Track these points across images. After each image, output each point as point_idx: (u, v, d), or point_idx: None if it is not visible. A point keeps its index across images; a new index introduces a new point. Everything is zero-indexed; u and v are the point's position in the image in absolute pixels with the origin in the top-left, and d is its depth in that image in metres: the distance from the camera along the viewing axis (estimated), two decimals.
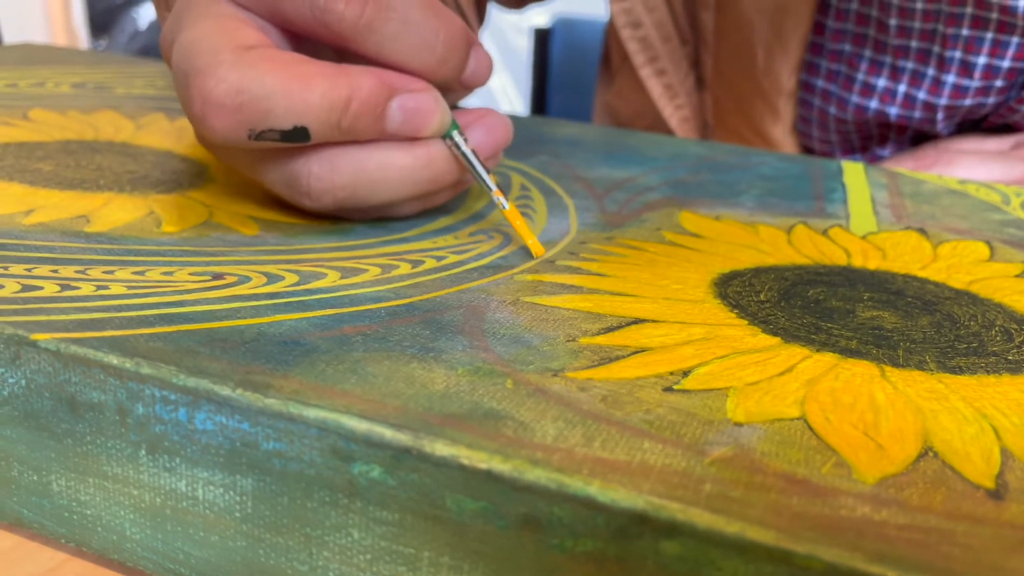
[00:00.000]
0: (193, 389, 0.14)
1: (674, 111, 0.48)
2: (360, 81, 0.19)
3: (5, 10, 1.57)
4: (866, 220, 0.26)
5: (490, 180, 0.22)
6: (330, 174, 0.20)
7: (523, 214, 0.25)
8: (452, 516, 0.13)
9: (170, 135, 0.30)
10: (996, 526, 0.12)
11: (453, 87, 0.23)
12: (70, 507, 0.16)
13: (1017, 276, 0.22)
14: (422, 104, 0.20)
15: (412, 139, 0.21)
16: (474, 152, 0.22)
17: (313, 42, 0.21)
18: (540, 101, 0.91)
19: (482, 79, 0.23)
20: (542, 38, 0.90)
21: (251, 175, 0.22)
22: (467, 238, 0.23)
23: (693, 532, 0.11)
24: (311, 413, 0.13)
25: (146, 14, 1.87)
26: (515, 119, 0.38)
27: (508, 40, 1.68)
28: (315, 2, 0.19)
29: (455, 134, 0.22)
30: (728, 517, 0.11)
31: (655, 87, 0.47)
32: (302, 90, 0.19)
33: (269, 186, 0.22)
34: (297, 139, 0.19)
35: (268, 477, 0.14)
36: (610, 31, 0.54)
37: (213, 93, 0.18)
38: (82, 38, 1.79)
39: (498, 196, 0.22)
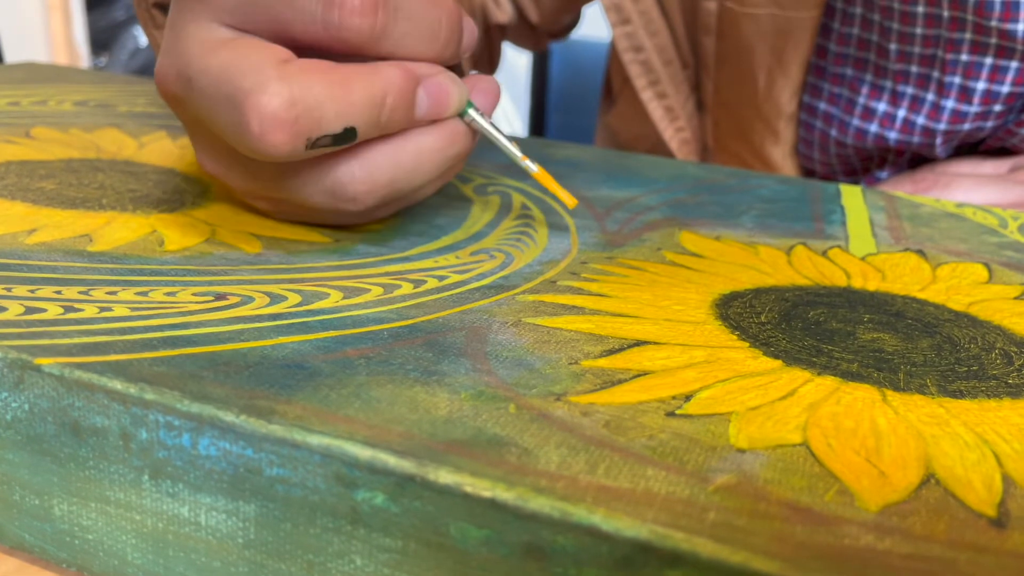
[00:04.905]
0: (197, 415, 0.14)
1: (674, 133, 0.48)
2: (390, 75, 0.20)
3: (6, 27, 1.58)
4: (865, 242, 0.26)
5: (513, 146, 0.24)
6: (371, 174, 0.21)
7: (524, 233, 0.25)
8: (455, 544, 0.13)
9: (172, 153, 0.31)
10: (999, 555, 0.12)
11: (450, 63, 0.24)
12: (72, 531, 0.16)
13: (1016, 298, 0.22)
14: (443, 86, 0.22)
15: (434, 122, 0.22)
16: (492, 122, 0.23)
17: (312, 51, 0.22)
18: (539, 121, 0.91)
19: (472, 45, 0.24)
20: (541, 59, 0.91)
21: (284, 194, 0.22)
22: (468, 257, 0.23)
23: (697, 562, 0.11)
24: (315, 440, 0.13)
25: None
26: (515, 141, 0.38)
27: (508, 61, 1.69)
28: (328, 20, 0.20)
29: (471, 110, 0.23)
30: (732, 547, 0.11)
31: (656, 110, 0.47)
32: (345, 93, 0.20)
33: (307, 200, 0.22)
34: (346, 140, 0.20)
35: (271, 503, 0.14)
36: (612, 54, 0.54)
37: (269, 108, 0.19)
38: (83, 55, 1.79)
39: (524, 160, 0.24)
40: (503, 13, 0.51)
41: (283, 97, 0.19)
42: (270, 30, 0.21)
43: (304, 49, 0.21)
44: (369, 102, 0.20)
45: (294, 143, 0.19)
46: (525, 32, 0.54)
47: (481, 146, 0.31)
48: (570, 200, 0.24)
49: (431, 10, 0.22)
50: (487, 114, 0.24)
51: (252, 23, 0.21)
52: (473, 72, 0.24)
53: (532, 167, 0.24)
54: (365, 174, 0.21)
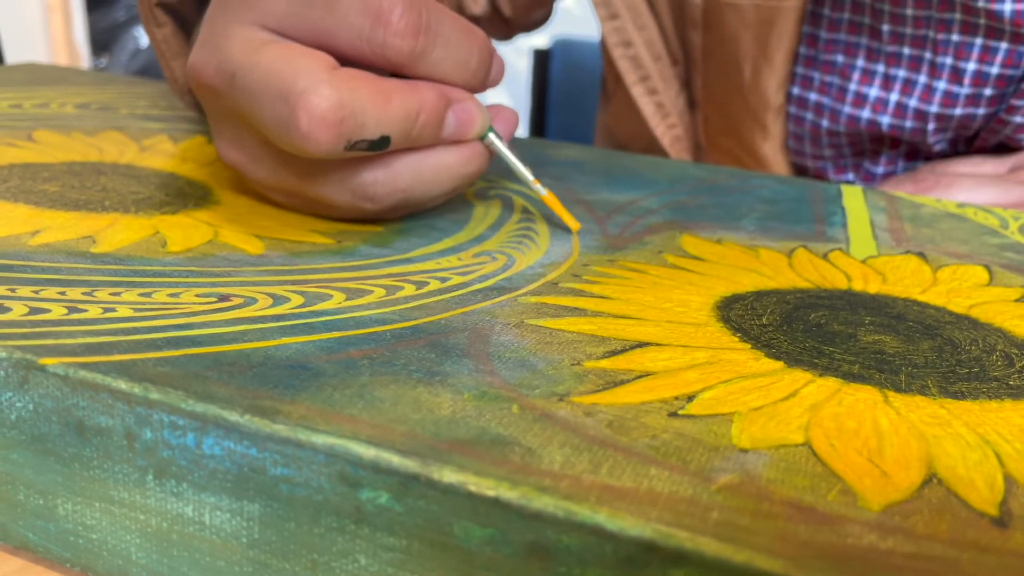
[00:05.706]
0: (201, 415, 0.14)
1: (666, 130, 0.48)
2: (426, 95, 0.22)
3: (7, 28, 1.58)
4: (866, 244, 0.26)
5: (526, 171, 0.25)
6: (393, 179, 0.23)
7: (526, 236, 0.25)
8: (459, 543, 0.13)
9: (174, 156, 0.31)
10: (1001, 555, 0.12)
11: (478, 91, 0.25)
12: (76, 531, 0.16)
13: (1016, 300, 0.22)
14: (470, 111, 0.24)
15: (457, 141, 0.24)
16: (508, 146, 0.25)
17: (350, 63, 0.23)
18: (540, 121, 0.91)
19: (499, 80, 0.26)
20: (541, 59, 0.91)
21: (308, 188, 0.24)
22: (471, 259, 0.23)
23: (701, 561, 0.11)
24: (319, 439, 0.13)
25: None
26: (516, 141, 0.39)
27: (508, 61, 1.69)
28: (374, 38, 0.21)
29: (491, 134, 0.25)
30: (736, 546, 0.11)
31: (647, 105, 0.48)
32: (386, 104, 0.21)
33: (328, 196, 0.24)
34: (381, 147, 0.22)
35: (275, 503, 0.14)
36: (604, 51, 0.54)
37: (318, 109, 0.20)
38: (83, 56, 1.79)
39: (536, 184, 0.25)
40: (477, 6, 0.52)
41: (332, 100, 0.20)
42: (314, 40, 0.22)
43: (342, 60, 0.22)
44: (405, 116, 0.22)
45: (336, 143, 0.21)
46: (497, 24, 0.55)
47: None
48: (574, 224, 0.26)
49: (466, 42, 0.23)
50: (505, 139, 0.26)
51: (297, 31, 0.22)
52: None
53: (542, 191, 0.25)
54: (387, 178, 0.23)
